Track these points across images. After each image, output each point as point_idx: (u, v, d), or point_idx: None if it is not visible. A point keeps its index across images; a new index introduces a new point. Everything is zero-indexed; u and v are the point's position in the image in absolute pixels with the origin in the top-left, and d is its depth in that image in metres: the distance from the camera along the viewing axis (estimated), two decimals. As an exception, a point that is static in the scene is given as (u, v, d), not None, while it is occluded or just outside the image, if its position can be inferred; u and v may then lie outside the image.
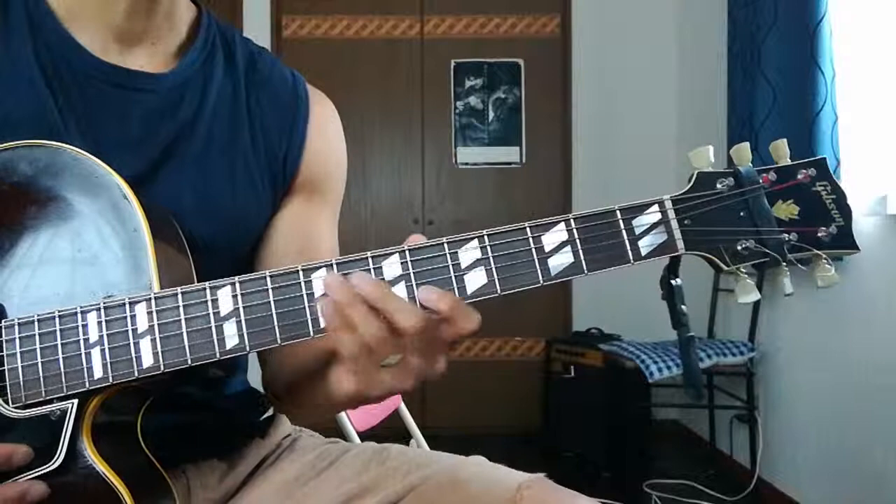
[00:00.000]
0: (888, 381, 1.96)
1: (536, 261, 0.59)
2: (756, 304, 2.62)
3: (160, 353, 0.59)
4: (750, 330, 2.66)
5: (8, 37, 0.72)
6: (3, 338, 0.61)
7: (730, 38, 2.68)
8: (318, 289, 0.59)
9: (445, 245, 0.59)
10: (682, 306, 0.62)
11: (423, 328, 0.56)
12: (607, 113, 3.59)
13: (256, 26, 3.43)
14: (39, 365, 0.60)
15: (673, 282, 0.62)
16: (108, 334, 0.60)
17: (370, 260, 0.59)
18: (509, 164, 3.62)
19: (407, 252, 0.59)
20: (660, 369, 2.52)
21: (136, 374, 0.59)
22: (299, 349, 0.74)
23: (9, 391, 0.60)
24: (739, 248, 0.61)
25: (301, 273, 0.59)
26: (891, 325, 1.96)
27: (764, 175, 0.62)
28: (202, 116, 0.77)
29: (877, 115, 2.13)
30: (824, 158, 0.62)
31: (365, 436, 1.31)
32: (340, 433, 1.28)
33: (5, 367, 0.60)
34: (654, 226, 0.60)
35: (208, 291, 0.59)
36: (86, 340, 0.60)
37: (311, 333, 0.59)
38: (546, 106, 3.61)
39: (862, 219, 2.02)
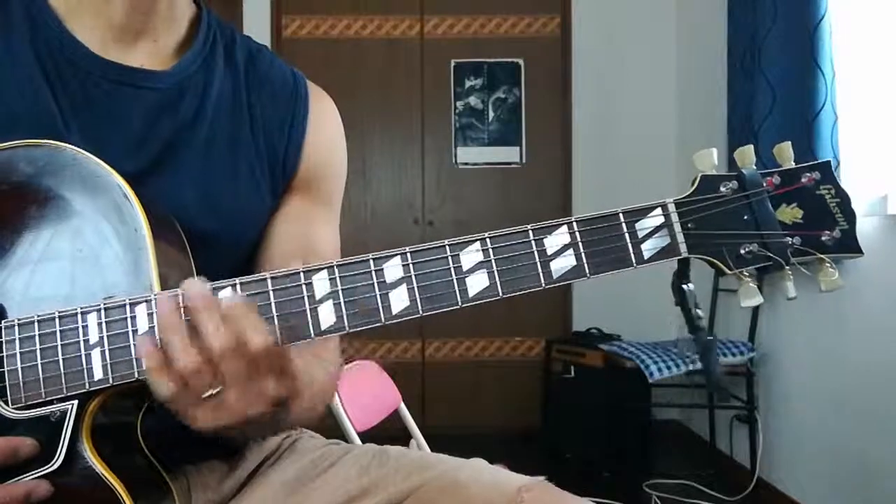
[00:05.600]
0: (888, 381, 1.96)
1: (539, 264, 0.59)
2: (756, 305, 2.61)
3: (160, 355, 0.59)
4: (750, 330, 2.66)
5: (8, 34, 0.71)
6: (3, 338, 0.61)
7: (730, 38, 2.67)
8: (318, 290, 0.59)
9: (447, 247, 0.59)
10: (697, 310, 0.62)
11: (230, 349, 0.55)
12: (607, 113, 3.59)
13: (256, 26, 3.43)
14: (39, 366, 0.60)
15: (685, 286, 0.62)
16: (108, 335, 0.59)
17: (371, 262, 0.59)
18: (509, 164, 3.62)
19: (409, 254, 0.59)
20: (660, 369, 2.52)
21: (136, 375, 0.59)
22: None
23: (8, 392, 0.60)
24: (743, 251, 0.61)
25: (302, 275, 0.59)
26: (891, 325, 1.96)
27: (768, 178, 0.62)
28: (203, 114, 0.77)
29: (877, 115, 2.12)
30: (828, 162, 0.62)
31: (365, 436, 1.31)
32: (341, 433, 1.28)
33: (5, 368, 0.60)
34: (657, 229, 0.60)
35: (209, 293, 0.59)
36: (86, 341, 0.59)
37: (312, 335, 0.59)
38: (546, 106, 3.61)
39: (862, 219, 2.01)
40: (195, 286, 0.57)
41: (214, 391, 0.55)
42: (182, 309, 0.57)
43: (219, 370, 0.55)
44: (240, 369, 0.55)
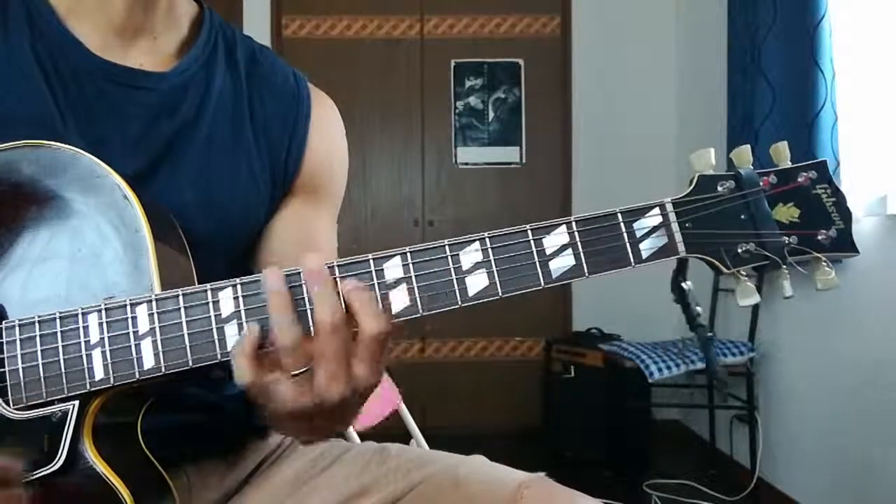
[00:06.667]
0: (887, 381, 1.96)
1: (538, 263, 0.59)
2: (756, 305, 2.61)
3: (161, 355, 0.59)
4: (750, 330, 2.66)
5: (7, 34, 0.71)
6: (4, 339, 0.61)
7: (730, 38, 2.68)
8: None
9: (447, 247, 0.59)
10: (697, 307, 0.62)
11: (338, 327, 0.55)
12: (607, 113, 3.59)
13: (256, 26, 3.42)
14: (40, 366, 0.60)
15: (683, 284, 0.62)
16: (109, 336, 0.59)
17: (371, 262, 0.59)
18: (509, 164, 3.62)
19: (409, 254, 0.59)
20: (660, 369, 2.52)
21: (137, 375, 0.59)
22: None
23: (10, 392, 0.60)
24: (740, 250, 0.61)
25: (302, 275, 0.59)
26: (890, 324, 1.96)
27: (764, 178, 0.62)
28: (203, 115, 0.77)
29: (877, 115, 2.13)
30: (825, 161, 0.62)
31: (365, 436, 1.31)
32: (341, 433, 1.28)
33: (6, 369, 0.60)
34: (654, 229, 0.60)
35: (209, 293, 0.59)
36: (87, 342, 0.59)
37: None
38: (546, 106, 3.61)
39: (862, 219, 2.02)
40: (315, 261, 0.57)
41: (304, 369, 0.56)
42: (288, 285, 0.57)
43: (317, 347, 0.56)
44: (339, 349, 0.55)
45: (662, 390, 3.03)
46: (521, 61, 3.61)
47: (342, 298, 0.57)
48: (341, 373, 0.56)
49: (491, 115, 3.62)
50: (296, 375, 0.56)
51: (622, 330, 3.21)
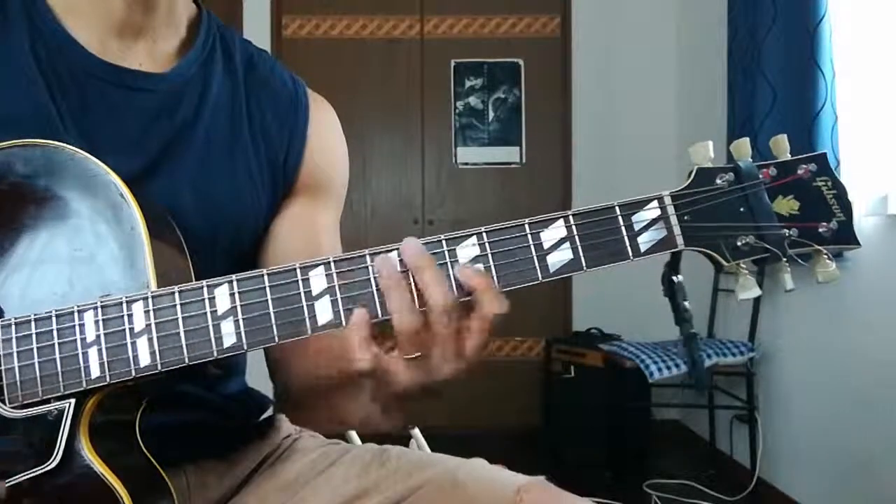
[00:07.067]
0: (888, 381, 1.96)
1: (535, 258, 0.59)
2: (756, 304, 2.61)
3: (157, 353, 0.59)
4: (750, 330, 2.66)
5: (5, 34, 0.71)
6: (0, 337, 0.60)
7: (730, 38, 2.68)
8: (315, 287, 0.59)
9: (444, 242, 0.59)
10: (685, 303, 0.61)
11: (452, 308, 0.56)
12: (607, 113, 3.59)
13: (256, 26, 3.43)
14: (36, 364, 0.59)
15: (674, 278, 0.61)
16: (105, 333, 0.59)
17: (368, 258, 0.59)
18: (509, 164, 3.62)
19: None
20: (660, 369, 2.51)
21: (133, 373, 0.59)
22: (321, 358, 0.74)
23: (6, 391, 0.60)
24: (739, 243, 0.60)
25: (298, 271, 0.59)
26: (891, 324, 1.96)
27: (764, 170, 0.61)
28: (201, 116, 0.77)
29: (877, 115, 2.12)
30: (824, 154, 0.62)
31: (365, 436, 1.31)
32: (341, 433, 1.28)
33: (2, 367, 0.60)
34: (653, 221, 0.60)
35: (205, 290, 0.59)
36: (83, 340, 0.59)
37: (309, 331, 0.58)
38: (546, 106, 3.61)
39: (862, 218, 2.02)
40: (415, 245, 0.57)
41: (421, 353, 0.57)
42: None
43: (432, 330, 0.56)
44: (453, 330, 0.57)
45: (662, 390, 3.03)
46: (521, 61, 3.61)
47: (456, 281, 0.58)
48: (454, 352, 0.57)
49: (491, 115, 3.62)
50: (412, 358, 0.57)
51: (622, 330, 3.21)
